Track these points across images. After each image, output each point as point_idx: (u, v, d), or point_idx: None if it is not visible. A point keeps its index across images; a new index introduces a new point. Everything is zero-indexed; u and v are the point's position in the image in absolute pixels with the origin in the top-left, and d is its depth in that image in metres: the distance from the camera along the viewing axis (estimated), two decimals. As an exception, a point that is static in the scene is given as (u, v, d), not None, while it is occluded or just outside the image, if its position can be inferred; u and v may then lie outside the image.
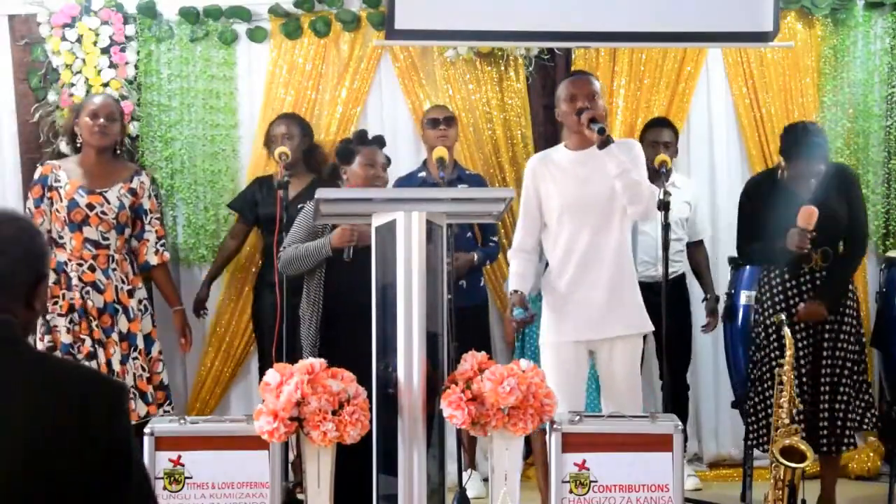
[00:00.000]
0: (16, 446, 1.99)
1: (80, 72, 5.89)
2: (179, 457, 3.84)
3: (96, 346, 4.88)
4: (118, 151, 5.21)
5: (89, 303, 4.89)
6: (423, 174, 5.65)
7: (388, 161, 4.98)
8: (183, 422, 3.94)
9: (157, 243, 5.04)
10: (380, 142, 4.94)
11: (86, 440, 2.03)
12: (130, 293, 4.91)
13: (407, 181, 5.59)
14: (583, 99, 4.44)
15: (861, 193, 5.16)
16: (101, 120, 4.98)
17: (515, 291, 4.50)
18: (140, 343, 4.89)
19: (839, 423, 4.88)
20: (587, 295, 4.43)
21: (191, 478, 3.85)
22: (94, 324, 4.83)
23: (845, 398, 4.89)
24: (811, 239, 4.73)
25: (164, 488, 3.82)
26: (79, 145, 5.13)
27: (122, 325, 4.88)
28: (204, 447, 3.86)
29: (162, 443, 3.84)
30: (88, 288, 4.91)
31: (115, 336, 4.80)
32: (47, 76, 5.92)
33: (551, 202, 4.50)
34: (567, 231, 4.47)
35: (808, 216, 4.73)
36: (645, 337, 4.67)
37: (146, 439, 3.81)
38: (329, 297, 4.69)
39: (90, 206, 4.88)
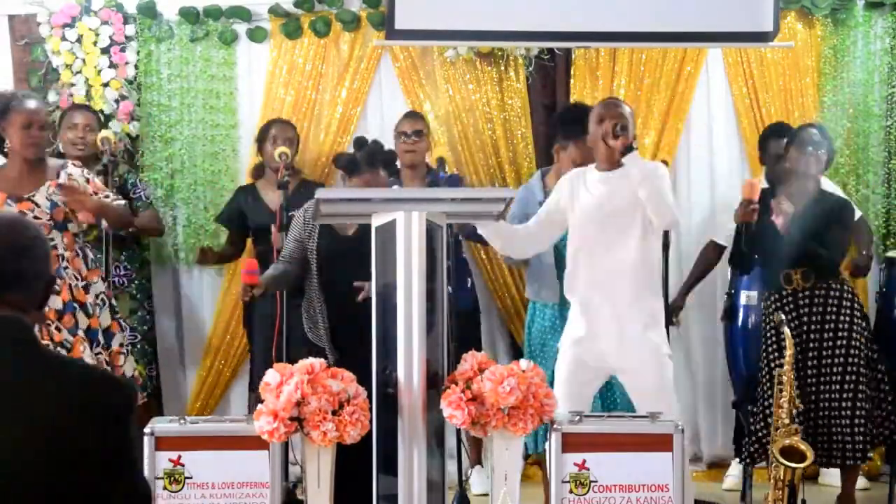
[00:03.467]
0: (32, 445, 2.01)
1: (80, 72, 5.89)
2: (179, 457, 3.84)
3: (58, 348, 4.63)
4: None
5: (45, 308, 4.64)
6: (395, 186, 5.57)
7: (393, 175, 4.95)
8: (183, 422, 3.93)
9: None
10: (388, 161, 4.83)
11: (98, 442, 2.04)
12: (86, 289, 4.70)
13: None
14: (610, 119, 4.49)
15: (848, 233, 5.18)
16: (35, 131, 4.68)
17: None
18: (101, 338, 4.75)
19: (859, 433, 4.85)
20: (605, 315, 4.48)
21: (191, 478, 3.84)
22: (52, 327, 4.60)
23: (858, 408, 4.87)
24: (755, 210, 4.78)
25: (164, 488, 3.81)
26: (5, 150, 4.81)
27: (83, 322, 4.71)
28: (204, 447, 3.86)
29: (162, 443, 3.84)
30: None
31: (80, 333, 4.65)
32: (47, 76, 5.93)
33: (575, 216, 4.55)
34: (587, 244, 4.52)
35: (749, 187, 4.79)
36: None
37: (146, 439, 3.81)
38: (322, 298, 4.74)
39: (21, 214, 4.69)
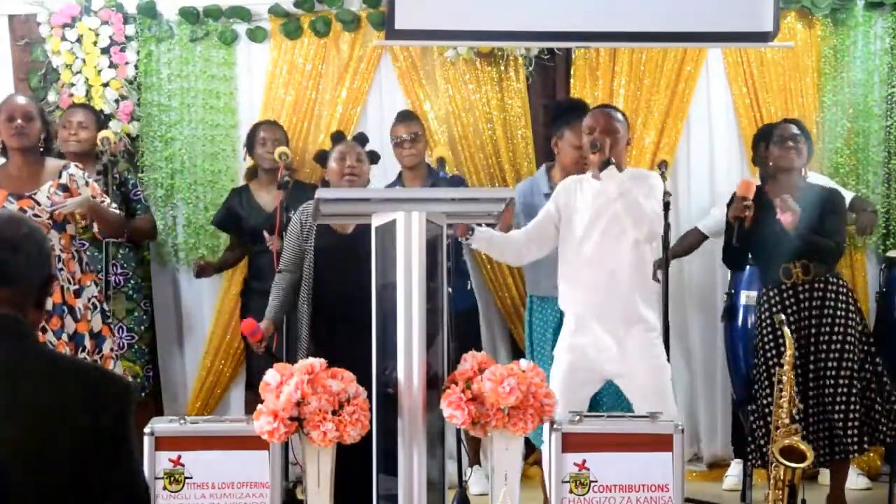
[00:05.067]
0: (25, 440, 2.00)
1: (80, 72, 5.90)
2: (179, 457, 3.84)
3: None
4: (42, 150, 4.87)
5: (45, 307, 4.66)
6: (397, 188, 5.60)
7: (374, 158, 5.02)
8: (183, 422, 3.93)
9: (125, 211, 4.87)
10: (360, 139, 5.01)
11: (95, 437, 2.05)
12: (77, 293, 4.72)
13: None
14: (588, 133, 4.55)
15: (843, 219, 5.17)
16: (18, 121, 4.74)
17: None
18: (87, 343, 4.74)
19: (849, 427, 4.85)
20: (600, 321, 4.50)
21: (191, 478, 3.84)
22: (41, 326, 4.55)
23: (853, 401, 4.87)
24: (749, 207, 4.80)
25: (164, 488, 3.81)
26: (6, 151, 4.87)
27: (69, 326, 4.69)
28: (204, 447, 3.86)
29: (162, 443, 3.84)
30: None
31: (64, 337, 4.66)
32: (47, 76, 5.93)
33: (572, 222, 4.59)
34: (582, 251, 4.54)
35: (744, 186, 4.83)
36: None
37: (146, 439, 3.81)
38: (320, 297, 4.71)
39: (21, 212, 4.71)
